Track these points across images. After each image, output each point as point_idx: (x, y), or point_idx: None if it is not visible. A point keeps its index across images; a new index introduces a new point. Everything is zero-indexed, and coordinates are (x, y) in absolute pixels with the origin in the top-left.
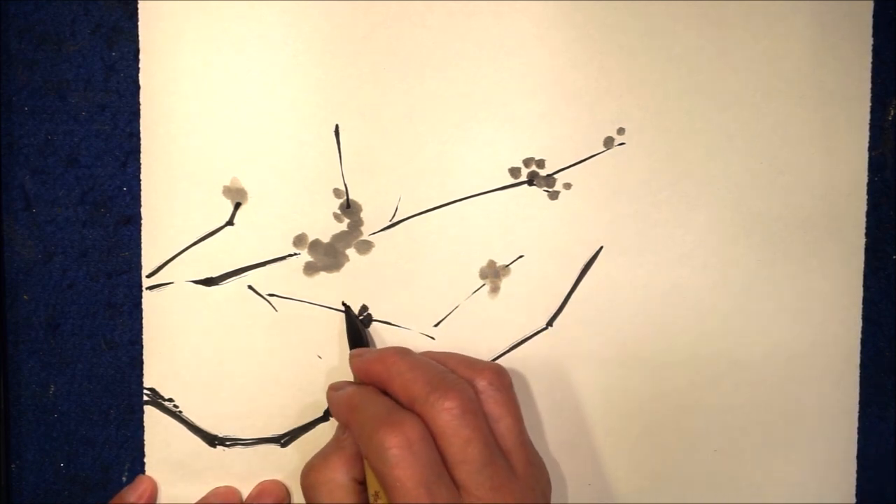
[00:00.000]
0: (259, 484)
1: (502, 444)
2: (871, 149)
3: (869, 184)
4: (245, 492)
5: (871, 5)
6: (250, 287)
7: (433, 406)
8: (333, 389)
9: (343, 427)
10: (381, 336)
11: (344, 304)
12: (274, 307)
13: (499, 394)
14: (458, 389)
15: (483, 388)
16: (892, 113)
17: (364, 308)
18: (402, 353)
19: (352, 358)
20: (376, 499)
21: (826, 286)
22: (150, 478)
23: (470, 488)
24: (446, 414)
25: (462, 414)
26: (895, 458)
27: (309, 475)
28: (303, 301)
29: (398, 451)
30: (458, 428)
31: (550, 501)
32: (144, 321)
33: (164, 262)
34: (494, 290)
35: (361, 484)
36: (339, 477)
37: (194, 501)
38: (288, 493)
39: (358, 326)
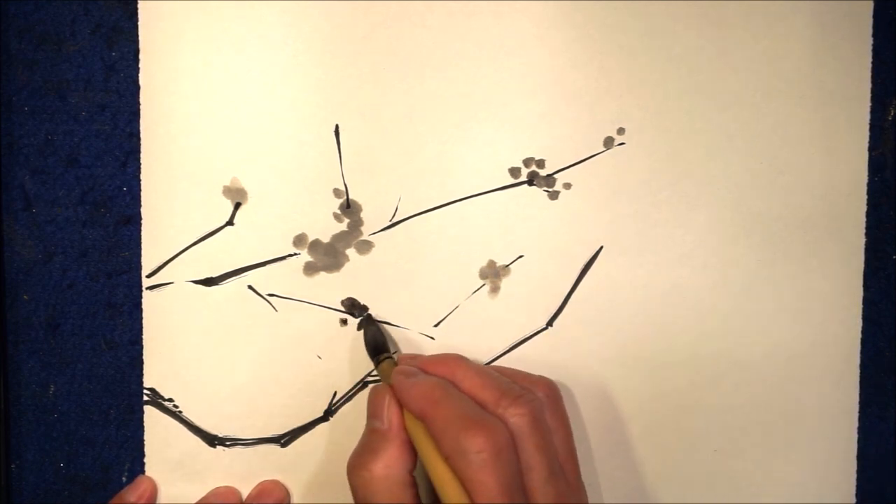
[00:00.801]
0: (259, 484)
1: (558, 456)
2: (871, 149)
3: (869, 184)
4: (245, 492)
5: (871, 5)
6: (250, 287)
7: (506, 411)
8: (405, 375)
9: (379, 415)
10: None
11: (367, 315)
12: (274, 307)
13: (554, 406)
14: (529, 397)
15: (542, 399)
16: (892, 113)
17: (364, 308)
18: (463, 358)
19: (403, 358)
20: (448, 495)
21: (826, 286)
22: (149, 478)
23: (536, 496)
24: (519, 419)
25: (533, 421)
26: (895, 458)
27: (360, 472)
28: (303, 301)
29: (488, 455)
30: (530, 434)
31: None
32: (144, 321)
33: (164, 262)
34: (494, 290)
35: (412, 475)
36: (395, 472)
37: (194, 502)
38: (288, 494)
39: (382, 333)
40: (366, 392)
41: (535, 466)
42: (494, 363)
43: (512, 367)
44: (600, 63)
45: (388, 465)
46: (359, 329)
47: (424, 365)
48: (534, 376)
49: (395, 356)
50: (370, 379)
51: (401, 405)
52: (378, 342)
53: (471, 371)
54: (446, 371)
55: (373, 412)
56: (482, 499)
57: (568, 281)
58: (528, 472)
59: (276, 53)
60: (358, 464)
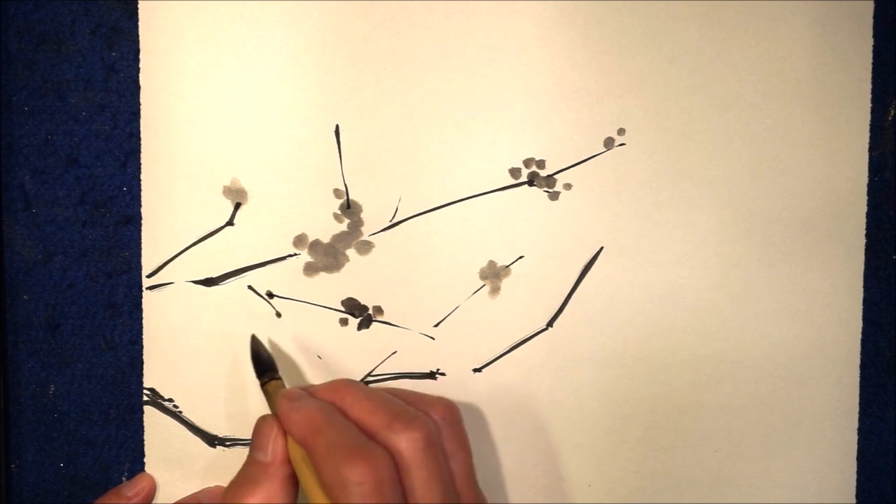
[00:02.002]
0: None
1: (454, 481)
2: (871, 149)
3: (869, 184)
4: None
5: (871, 5)
6: (250, 287)
7: (397, 436)
8: (290, 400)
9: (263, 446)
10: (382, 336)
11: (252, 336)
12: (274, 307)
13: (452, 429)
14: (422, 421)
15: (437, 422)
16: (892, 113)
17: (364, 308)
18: (352, 382)
19: (293, 387)
20: None
21: (826, 286)
22: (149, 475)
23: None
24: (411, 445)
25: (426, 447)
26: (895, 458)
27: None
28: (303, 301)
29: (369, 487)
30: (422, 461)
31: None
32: (144, 321)
33: (164, 262)
34: (495, 290)
35: None
36: None
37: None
38: None
39: (268, 352)
40: None
41: (426, 495)
42: (492, 364)
43: (512, 367)
44: (600, 63)
45: (266, 498)
46: (251, 348)
47: (317, 391)
48: (431, 397)
49: (280, 378)
50: (370, 379)
51: (286, 435)
52: (264, 361)
53: (360, 395)
54: (334, 396)
55: (256, 443)
56: None
57: (568, 281)
58: (416, 498)
59: (276, 53)
60: (235, 494)
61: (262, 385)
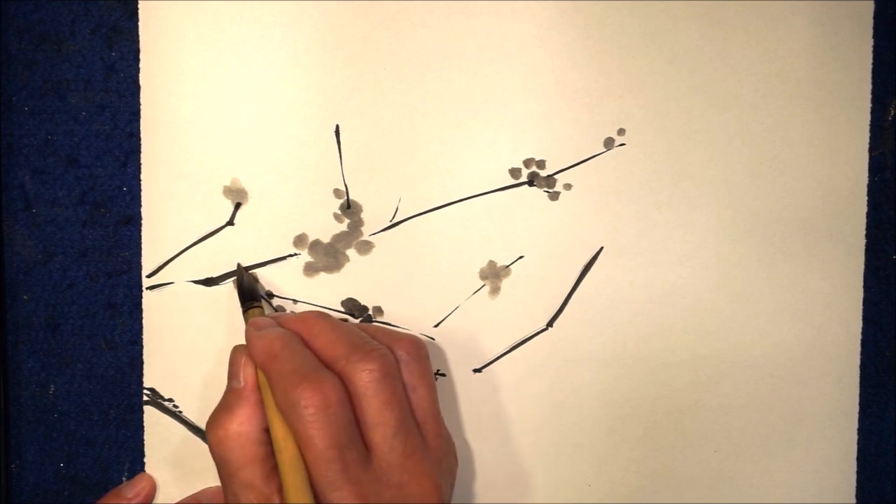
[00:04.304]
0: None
1: (416, 413)
2: (871, 149)
3: (869, 184)
4: None
5: (871, 6)
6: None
7: (354, 366)
8: (256, 327)
9: (236, 374)
10: None
11: (238, 265)
12: (274, 307)
13: (416, 364)
14: (380, 353)
15: (401, 356)
16: (892, 113)
17: (364, 308)
18: (323, 314)
19: (269, 315)
20: (283, 450)
21: (826, 286)
22: (149, 476)
23: (382, 452)
24: (366, 375)
25: (382, 378)
26: (895, 458)
27: (215, 430)
28: (303, 301)
29: (315, 410)
30: (377, 391)
31: (455, 477)
32: (144, 321)
33: (164, 262)
34: (495, 290)
35: (267, 432)
36: (248, 429)
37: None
38: None
39: (252, 281)
40: None
41: (381, 422)
42: (492, 364)
43: (512, 367)
44: (600, 63)
45: (241, 423)
46: (235, 277)
47: (286, 321)
48: (398, 333)
49: (262, 308)
50: None
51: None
52: (247, 289)
53: (325, 326)
54: (301, 326)
55: (231, 371)
56: (309, 453)
57: (568, 281)
58: (373, 428)
59: (276, 53)
60: (213, 421)
61: (244, 312)
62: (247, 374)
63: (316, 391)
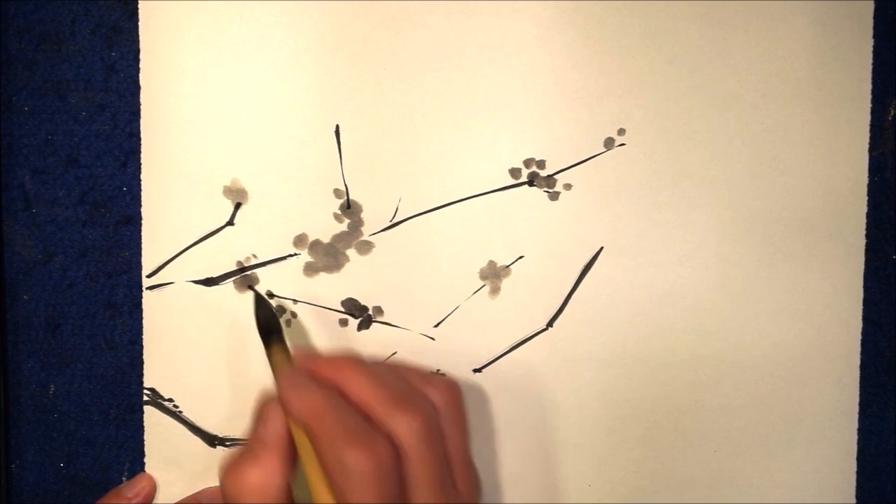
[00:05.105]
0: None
1: (449, 458)
2: (871, 149)
3: (869, 184)
4: None
5: (871, 6)
6: (250, 287)
7: (396, 420)
8: (293, 387)
9: (264, 422)
10: (382, 337)
11: (253, 289)
12: (274, 308)
13: (452, 411)
14: (422, 408)
15: (437, 403)
16: (892, 113)
17: (364, 308)
18: (356, 360)
19: (297, 357)
20: None
21: (826, 286)
22: (149, 476)
23: None
24: (408, 430)
25: (424, 433)
26: (895, 458)
27: (235, 477)
28: (303, 301)
29: (369, 474)
30: (420, 449)
31: None
32: (144, 321)
33: (164, 262)
34: (495, 290)
35: (289, 487)
36: (270, 482)
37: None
38: None
39: (273, 312)
40: None
41: (422, 479)
42: (492, 364)
43: (512, 367)
44: (600, 63)
45: (265, 475)
46: (254, 307)
47: (319, 366)
48: (432, 376)
49: (287, 343)
50: None
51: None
52: (266, 324)
53: (361, 375)
54: (336, 374)
55: (259, 417)
56: None
57: (568, 282)
58: (413, 485)
59: (276, 53)
60: (233, 468)
61: (267, 349)
62: (277, 425)
63: (370, 455)
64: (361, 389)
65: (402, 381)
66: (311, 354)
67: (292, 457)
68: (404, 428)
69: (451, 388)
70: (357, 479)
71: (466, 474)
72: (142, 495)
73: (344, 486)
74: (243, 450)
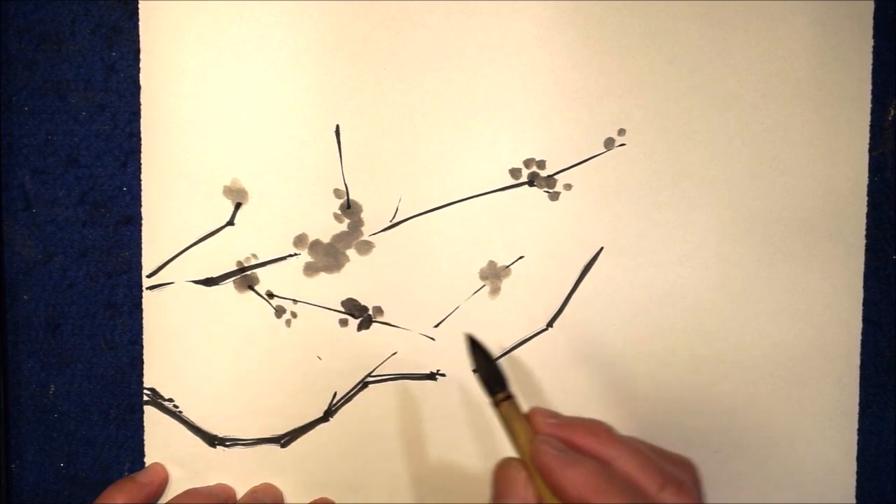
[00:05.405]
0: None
1: None
2: (871, 149)
3: (869, 184)
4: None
5: (871, 6)
6: (250, 287)
7: (667, 500)
8: (555, 452)
9: (520, 491)
10: (382, 337)
11: (469, 338)
12: (273, 307)
13: (697, 491)
14: (688, 486)
15: (687, 481)
16: (892, 113)
17: (364, 309)
18: (612, 429)
19: (537, 415)
20: None
21: (826, 286)
22: (162, 466)
23: None
24: None
25: None
26: (895, 458)
27: None
28: (303, 301)
29: None
30: None
31: None
32: (144, 321)
33: (164, 262)
34: (495, 290)
35: None
36: None
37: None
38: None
39: (496, 363)
40: (366, 392)
41: None
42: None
43: (512, 367)
44: (600, 63)
45: None
46: (472, 361)
47: (569, 434)
48: (676, 456)
49: (513, 396)
50: (370, 379)
51: (537, 482)
52: (495, 376)
53: (626, 449)
54: (597, 446)
55: (505, 490)
56: None
57: (568, 282)
58: None
59: (276, 53)
60: None
61: (495, 404)
62: (529, 493)
63: None
64: (628, 463)
65: (660, 457)
66: (554, 416)
67: None
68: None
69: (695, 470)
70: None
71: None
72: (155, 483)
73: None
74: None
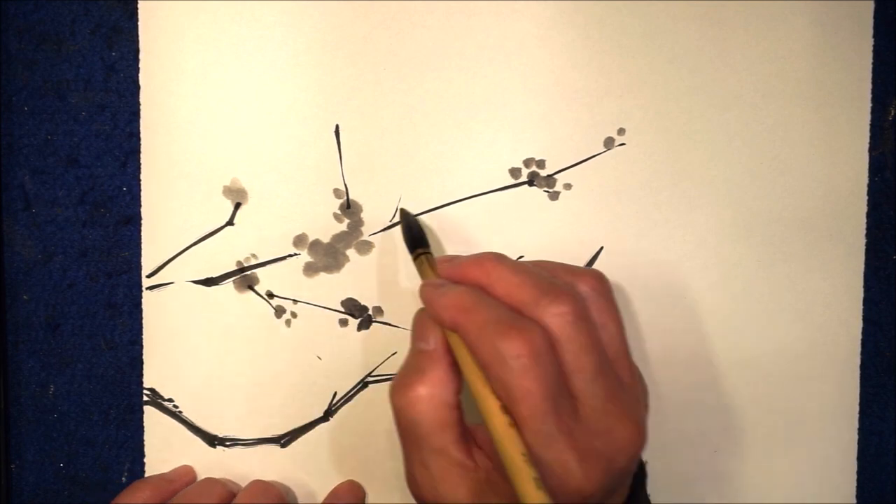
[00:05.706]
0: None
1: (607, 352)
2: (871, 149)
3: (869, 184)
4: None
5: (871, 6)
6: (250, 287)
7: (545, 311)
8: (432, 287)
9: (424, 336)
10: (382, 337)
11: (401, 209)
12: (273, 307)
13: (603, 300)
14: (570, 294)
15: (586, 293)
16: (892, 113)
17: (364, 308)
18: (500, 256)
19: (439, 262)
20: (493, 413)
21: (826, 286)
22: (191, 468)
23: (584, 398)
24: (559, 319)
25: (575, 320)
26: (895, 458)
27: (404, 393)
28: (303, 301)
29: (527, 360)
30: (572, 334)
31: (649, 412)
32: (144, 321)
33: (164, 262)
34: None
35: (459, 396)
36: (440, 392)
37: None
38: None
39: (419, 226)
40: (366, 392)
41: (580, 367)
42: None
43: None
44: (600, 63)
45: (433, 385)
46: (401, 222)
47: (461, 268)
48: (579, 269)
49: (431, 254)
50: (370, 379)
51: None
52: (416, 234)
53: (506, 271)
54: (480, 274)
55: (417, 334)
56: (525, 406)
57: None
58: (573, 375)
59: (276, 53)
60: (402, 384)
61: (414, 258)
62: (436, 334)
63: (525, 340)
64: (507, 283)
65: (547, 273)
66: (452, 258)
67: (457, 366)
68: (555, 316)
69: (600, 278)
70: (515, 366)
71: (628, 367)
72: (182, 482)
73: (504, 378)
74: (408, 366)
